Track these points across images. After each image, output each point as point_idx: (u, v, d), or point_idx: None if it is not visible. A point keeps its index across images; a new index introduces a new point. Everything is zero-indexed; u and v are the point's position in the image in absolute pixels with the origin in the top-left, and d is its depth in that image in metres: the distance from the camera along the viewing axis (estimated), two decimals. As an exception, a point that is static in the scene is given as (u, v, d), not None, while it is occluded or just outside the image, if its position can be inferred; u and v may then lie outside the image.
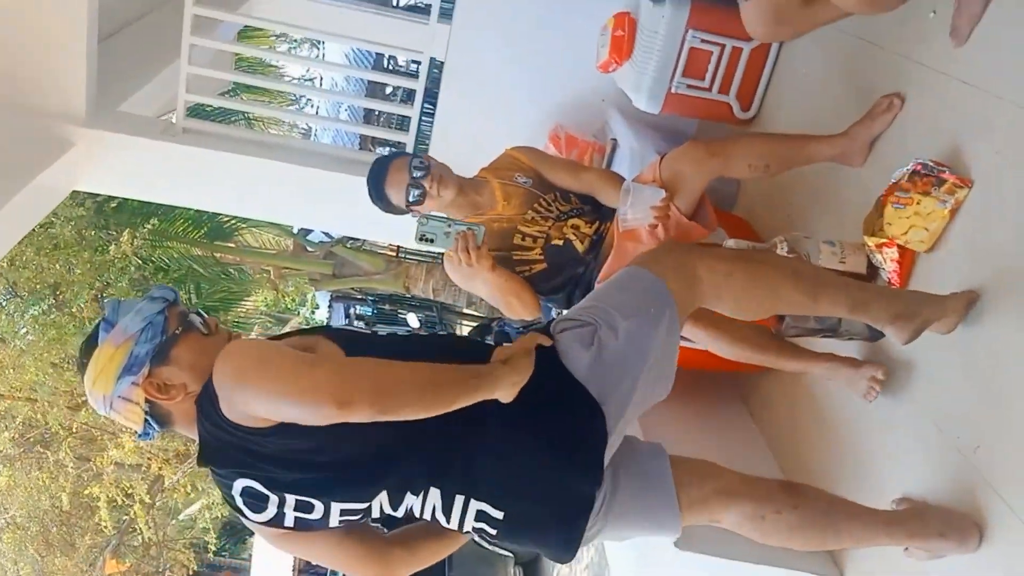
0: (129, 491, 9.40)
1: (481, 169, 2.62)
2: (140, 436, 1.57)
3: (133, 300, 1.58)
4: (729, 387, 3.07)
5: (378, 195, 2.46)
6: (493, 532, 1.62)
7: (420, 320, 10.44)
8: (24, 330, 7.74)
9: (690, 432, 2.84)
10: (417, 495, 1.58)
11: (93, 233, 6.95)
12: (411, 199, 2.39)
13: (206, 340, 1.56)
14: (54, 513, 9.72)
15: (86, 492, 9.42)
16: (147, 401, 1.50)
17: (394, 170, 2.43)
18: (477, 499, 1.59)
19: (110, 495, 9.10)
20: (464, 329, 9.56)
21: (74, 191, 4.27)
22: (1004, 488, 1.74)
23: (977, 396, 1.86)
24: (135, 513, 9.47)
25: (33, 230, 6.00)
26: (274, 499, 1.52)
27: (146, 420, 1.53)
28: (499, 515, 1.59)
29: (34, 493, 9.34)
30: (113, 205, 7.07)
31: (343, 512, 1.55)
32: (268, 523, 1.55)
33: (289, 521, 1.54)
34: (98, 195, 6.44)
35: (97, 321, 1.56)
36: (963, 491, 1.85)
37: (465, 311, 9.44)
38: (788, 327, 2.14)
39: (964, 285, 1.91)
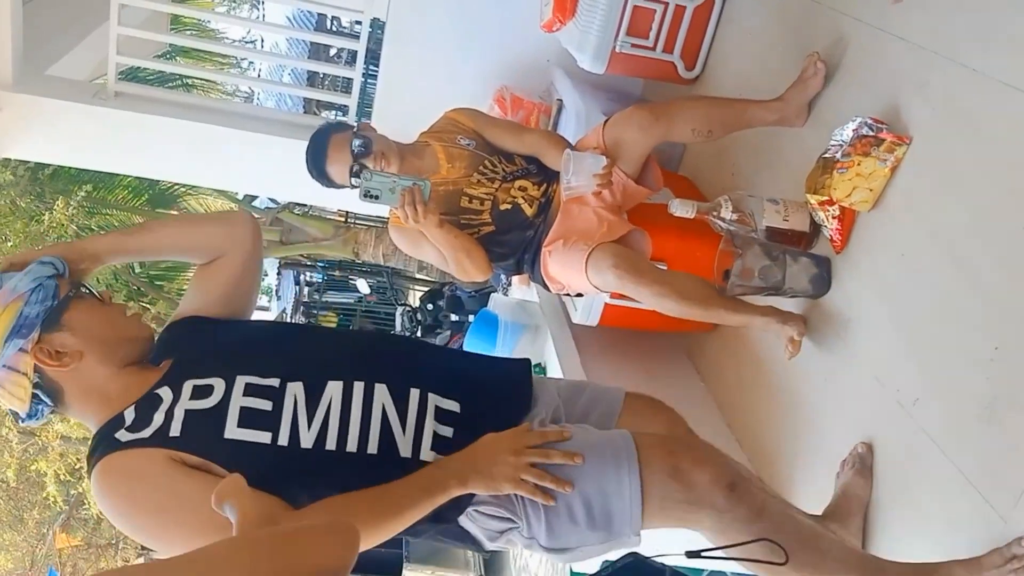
0: (77, 466, 9.24)
1: (421, 134, 2.58)
2: (25, 419, 1.40)
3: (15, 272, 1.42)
4: (676, 346, 3.10)
5: (319, 173, 2.41)
6: (450, 435, 1.48)
7: (371, 286, 10.35)
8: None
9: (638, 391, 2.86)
10: (340, 380, 1.42)
11: (27, 202, 6.74)
12: (356, 183, 2.34)
13: (102, 307, 1.46)
14: (1, 489, 9.54)
15: (32, 468, 9.25)
16: (36, 371, 1.37)
17: (334, 148, 2.37)
18: (433, 392, 1.48)
19: (57, 470, 8.95)
20: (415, 295, 9.51)
21: (4, 158, 4.12)
22: (942, 440, 1.78)
23: (914, 351, 1.89)
24: (84, 488, 9.33)
25: (-37, 200, 5.80)
26: (167, 397, 1.38)
27: (34, 394, 1.38)
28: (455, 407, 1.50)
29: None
30: (48, 172, 6.85)
31: (247, 389, 1.39)
32: (151, 439, 1.34)
33: (176, 428, 1.35)
34: (30, 162, 6.23)
35: None
36: (904, 442, 1.88)
37: (416, 276, 9.39)
38: (733, 285, 2.15)
39: (901, 244, 1.94)
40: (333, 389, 1.42)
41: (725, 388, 2.78)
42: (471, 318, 3.88)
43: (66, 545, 10.54)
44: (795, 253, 2.18)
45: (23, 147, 3.74)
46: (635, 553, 1.06)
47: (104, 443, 1.37)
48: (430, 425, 1.46)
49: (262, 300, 18.16)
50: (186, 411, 1.37)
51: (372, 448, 1.40)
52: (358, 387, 1.44)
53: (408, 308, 6.06)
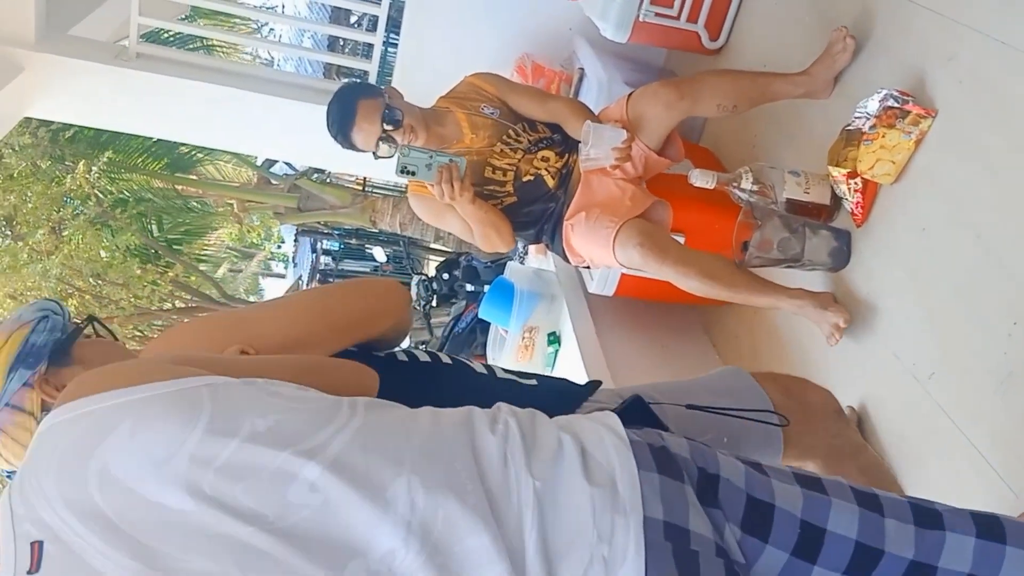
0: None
1: (440, 98, 2.55)
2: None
3: None
4: (692, 319, 3.10)
5: (343, 137, 2.37)
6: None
7: (387, 255, 10.37)
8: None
9: (653, 364, 2.87)
10: None
11: (48, 164, 6.78)
12: (380, 154, 2.33)
13: (115, 344, 1.33)
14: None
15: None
16: (43, 410, 1.16)
17: (363, 114, 2.33)
18: None
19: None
20: (431, 264, 9.52)
21: (27, 120, 4.15)
22: (956, 415, 1.78)
23: (932, 326, 1.88)
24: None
25: (-15, 159, 5.85)
26: None
27: None
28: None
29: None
30: (68, 135, 6.89)
31: None
32: None
33: None
34: (52, 124, 6.26)
35: None
36: (919, 416, 1.89)
37: (432, 246, 9.40)
38: (752, 257, 2.15)
39: (922, 218, 1.93)
40: None
41: (740, 361, 2.78)
42: (487, 288, 3.89)
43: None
44: (815, 226, 2.17)
45: (44, 107, 3.75)
46: (637, 396, 1.08)
47: None
48: None
49: (278, 267, 18.24)
50: None
51: None
52: None
53: (424, 277, 6.06)
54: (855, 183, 2.08)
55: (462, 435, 0.84)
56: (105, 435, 0.78)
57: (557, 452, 0.85)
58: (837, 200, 2.20)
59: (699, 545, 0.83)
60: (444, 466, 0.81)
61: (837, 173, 2.09)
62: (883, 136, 1.97)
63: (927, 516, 0.96)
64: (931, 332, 1.89)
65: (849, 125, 2.07)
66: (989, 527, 0.97)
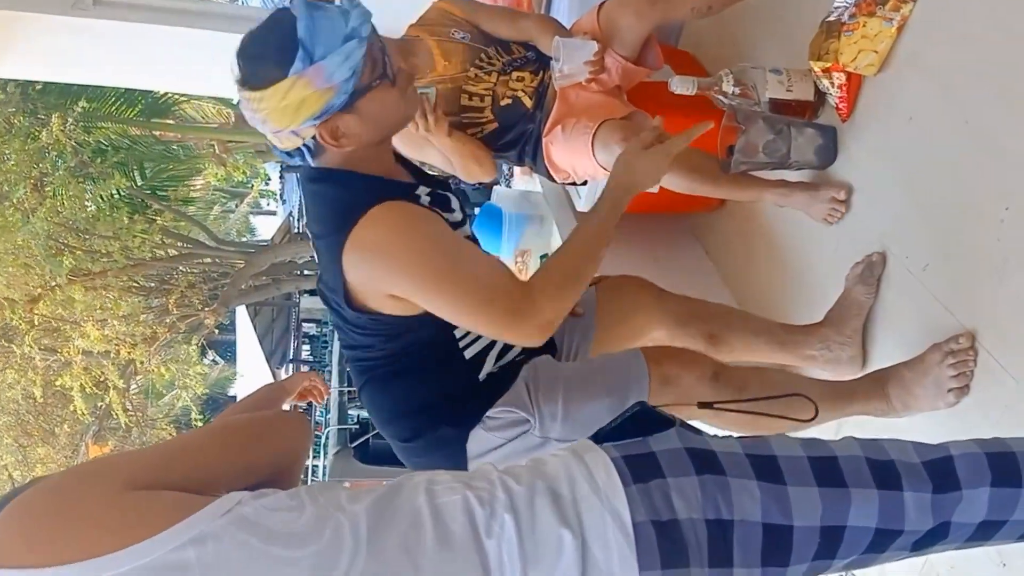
0: (101, 379, 9.40)
1: (410, 26, 2.48)
2: (282, 154, 1.50)
3: (328, 14, 1.39)
4: (682, 228, 3.08)
5: None
6: None
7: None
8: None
9: (647, 275, 2.85)
10: None
11: (22, 120, 6.65)
12: None
13: (392, 93, 1.48)
14: (28, 405, 9.74)
15: (58, 383, 9.41)
16: (314, 138, 1.44)
17: None
18: None
19: (82, 384, 9.11)
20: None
21: (-9, 78, 4.05)
22: (954, 305, 1.78)
23: (923, 216, 1.87)
24: (110, 400, 9.51)
25: (-45, 123, 5.73)
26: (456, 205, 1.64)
27: (302, 149, 1.47)
28: None
29: (5, 387, 9.33)
30: (38, 88, 6.74)
31: None
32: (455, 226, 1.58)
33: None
34: (19, 79, 6.12)
35: (285, 28, 1.37)
36: (916, 309, 1.89)
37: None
38: (737, 163, 2.11)
39: (909, 107, 1.89)
40: None
41: (733, 264, 2.77)
42: (477, 211, 3.85)
43: (99, 454, 10.82)
44: (800, 124, 2.13)
45: (8, 64, 3.65)
46: (642, 402, 1.06)
47: (403, 193, 1.50)
48: None
49: (269, 205, 18.11)
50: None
51: None
52: None
53: (413, 204, 6.03)
54: (838, 76, 2.03)
55: (468, 549, 0.85)
56: None
57: (556, 555, 0.85)
58: (821, 95, 2.16)
59: None
60: None
61: (819, 67, 2.04)
62: (864, 25, 1.92)
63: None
64: (923, 223, 1.87)
65: (829, 16, 2.01)
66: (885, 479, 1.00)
